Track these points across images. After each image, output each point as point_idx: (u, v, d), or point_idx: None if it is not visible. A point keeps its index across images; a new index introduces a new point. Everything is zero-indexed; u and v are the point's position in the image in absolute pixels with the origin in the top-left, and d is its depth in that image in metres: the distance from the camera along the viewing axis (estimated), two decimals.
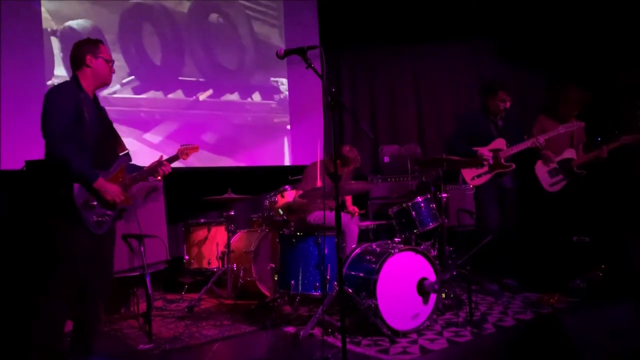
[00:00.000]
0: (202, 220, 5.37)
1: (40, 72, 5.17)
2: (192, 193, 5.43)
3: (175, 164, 3.52)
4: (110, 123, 3.17)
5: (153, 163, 3.36)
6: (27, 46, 5.10)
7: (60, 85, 2.99)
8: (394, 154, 6.23)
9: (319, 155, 4.80)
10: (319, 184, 4.57)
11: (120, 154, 3.13)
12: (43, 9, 5.18)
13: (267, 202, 5.25)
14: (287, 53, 2.82)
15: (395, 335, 3.53)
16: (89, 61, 3.01)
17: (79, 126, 2.88)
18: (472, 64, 6.82)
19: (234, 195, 4.98)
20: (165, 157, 3.42)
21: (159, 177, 3.41)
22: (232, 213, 5.02)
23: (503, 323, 3.82)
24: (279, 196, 5.01)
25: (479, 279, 4.66)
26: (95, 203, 2.91)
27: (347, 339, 2.73)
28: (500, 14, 6.35)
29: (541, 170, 4.97)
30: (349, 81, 7.22)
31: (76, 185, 2.84)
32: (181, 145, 3.56)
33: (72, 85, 2.99)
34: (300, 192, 4.59)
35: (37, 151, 4.64)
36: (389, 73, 7.14)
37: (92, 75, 3.03)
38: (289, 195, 4.97)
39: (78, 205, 2.83)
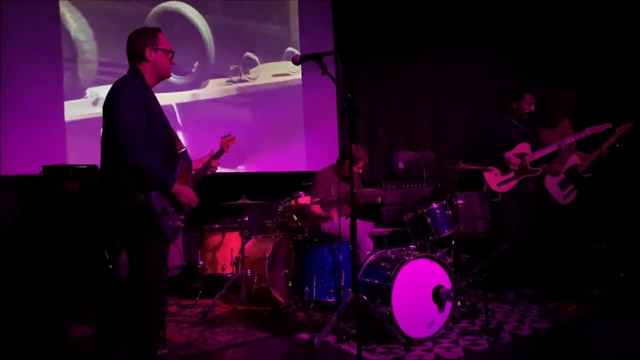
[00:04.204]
0: (216, 226, 5.38)
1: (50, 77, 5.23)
2: (206, 199, 5.42)
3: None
4: (167, 120, 2.91)
5: (205, 158, 3.23)
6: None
7: (125, 82, 2.72)
8: (409, 160, 6.20)
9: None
10: (333, 191, 4.55)
11: (180, 152, 2.90)
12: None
13: (281, 208, 5.24)
14: (303, 59, 2.81)
15: (410, 343, 3.50)
16: (149, 55, 2.76)
17: (150, 126, 2.65)
18: (489, 72, 6.79)
19: (248, 201, 4.98)
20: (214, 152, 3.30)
21: (209, 173, 3.24)
22: (247, 219, 5.02)
23: (520, 332, 3.77)
24: (293, 201, 5.01)
25: (495, 287, 4.60)
26: (171, 209, 2.74)
27: (362, 347, 2.70)
28: (518, 24, 6.32)
29: (551, 185, 4.87)
30: (363, 88, 7.22)
31: (153, 192, 2.63)
32: (222, 137, 3.42)
33: (137, 82, 2.74)
34: (316, 199, 4.56)
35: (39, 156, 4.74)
36: (404, 80, 7.13)
37: (153, 69, 2.79)
38: (304, 200, 4.96)
39: (157, 212, 2.64)
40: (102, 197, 2.69)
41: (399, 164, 6.22)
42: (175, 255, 4.52)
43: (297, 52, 6.58)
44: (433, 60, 6.99)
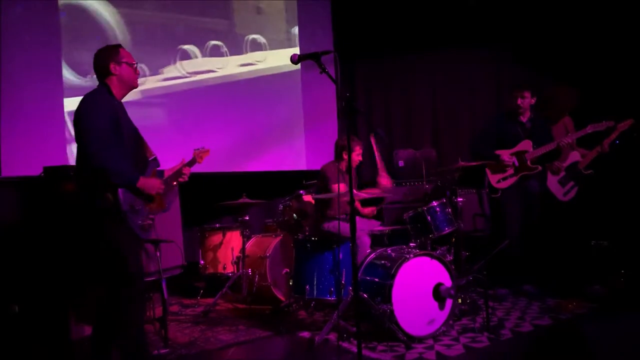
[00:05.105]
0: (217, 225, 5.39)
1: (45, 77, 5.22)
2: (207, 198, 5.46)
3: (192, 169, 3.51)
4: (136, 128, 3.15)
5: (176, 166, 3.35)
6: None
7: (93, 94, 2.96)
8: (409, 158, 6.21)
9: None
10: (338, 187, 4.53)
11: (150, 159, 3.13)
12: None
13: (281, 207, 5.25)
14: (301, 58, 2.82)
15: (411, 340, 3.51)
16: (113, 69, 2.99)
17: (118, 134, 2.88)
18: (490, 70, 6.80)
19: (248, 200, 4.98)
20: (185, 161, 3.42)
21: (181, 181, 3.37)
22: (247, 218, 5.02)
23: (520, 329, 3.77)
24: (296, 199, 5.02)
25: (496, 284, 4.61)
26: (139, 207, 2.93)
27: (363, 345, 2.71)
28: (518, 21, 6.32)
29: (552, 181, 4.88)
30: (363, 86, 7.23)
31: (120, 191, 2.83)
32: (195, 150, 3.56)
33: (104, 95, 2.97)
34: (335, 185, 4.54)
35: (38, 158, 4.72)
36: (404, 78, 7.14)
37: (119, 81, 3.02)
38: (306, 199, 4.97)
39: (124, 209, 2.83)
40: (78, 199, 2.92)
41: (399, 161, 6.22)
42: (176, 255, 4.52)
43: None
44: (433, 58, 6.99)
